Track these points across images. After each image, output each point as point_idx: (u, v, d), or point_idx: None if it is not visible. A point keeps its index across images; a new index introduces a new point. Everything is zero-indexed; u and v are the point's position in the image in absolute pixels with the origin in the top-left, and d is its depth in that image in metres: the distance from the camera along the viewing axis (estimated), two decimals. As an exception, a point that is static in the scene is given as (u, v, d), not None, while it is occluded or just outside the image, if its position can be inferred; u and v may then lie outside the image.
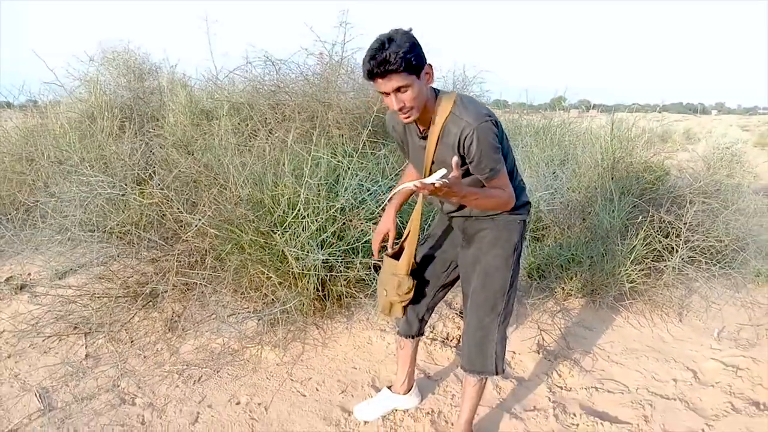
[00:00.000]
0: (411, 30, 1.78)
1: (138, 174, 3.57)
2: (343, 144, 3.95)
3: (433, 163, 1.98)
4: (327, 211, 3.12)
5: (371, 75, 1.73)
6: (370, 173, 3.50)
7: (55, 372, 2.88)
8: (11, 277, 3.82)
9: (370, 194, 3.34)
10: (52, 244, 3.50)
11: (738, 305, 3.69)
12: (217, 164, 3.45)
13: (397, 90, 1.76)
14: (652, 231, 3.59)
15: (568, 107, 9.29)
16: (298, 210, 3.07)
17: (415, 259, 2.24)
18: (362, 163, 3.53)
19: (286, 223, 3.07)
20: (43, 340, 3.11)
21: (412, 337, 2.50)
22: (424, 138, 1.97)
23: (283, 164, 3.23)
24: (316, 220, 3.06)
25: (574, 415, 2.69)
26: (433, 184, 1.60)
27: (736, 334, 3.42)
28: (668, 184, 4.13)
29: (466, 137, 1.84)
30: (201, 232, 3.15)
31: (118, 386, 2.80)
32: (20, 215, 3.95)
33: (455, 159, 1.63)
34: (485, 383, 2.32)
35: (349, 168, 3.32)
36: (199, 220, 3.03)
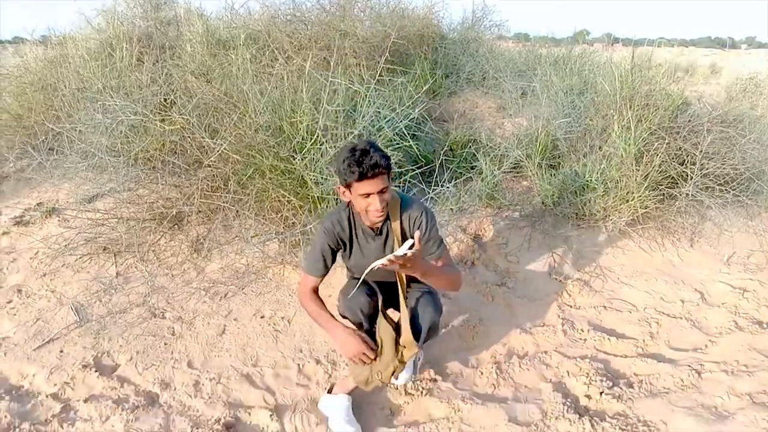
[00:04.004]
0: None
1: (159, 101, 3.62)
2: (359, 72, 3.95)
3: None
4: (345, 138, 3.17)
5: (362, 176, 1.83)
6: (387, 101, 3.51)
7: (88, 288, 3.05)
8: (41, 202, 3.95)
9: (387, 121, 3.38)
10: (79, 171, 3.60)
11: (750, 232, 3.72)
12: (236, 91, 3.48)
13: (380, 191, 1.89)
14: (667, 158, 3.60)
15: (591, 41, 9.05)
16: (317, 137, 3.12)
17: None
18: (379, 91, 3.54)
19: (305, 149, 3.13)
20: (75, 260, 3.26)
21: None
22: (380, 234, 2.13)
23: (301, 91, 3.26)
24: (335, 147, 3.11)
25: (582, 330, 2.82)
26: (405, 254, 1.66)
27: (745, 259, 3.48)
28: (687, 113, 4.07)
29: (416, 219, 2.09)
30: (223, 157, 3.22)
31: (149, 302, 2.96)
32: (47, 142, 4.03)
33: (417, 233, 1.72)
34: None
35: (366, 95, 3.35)
36: (221, 145, 3.10)
